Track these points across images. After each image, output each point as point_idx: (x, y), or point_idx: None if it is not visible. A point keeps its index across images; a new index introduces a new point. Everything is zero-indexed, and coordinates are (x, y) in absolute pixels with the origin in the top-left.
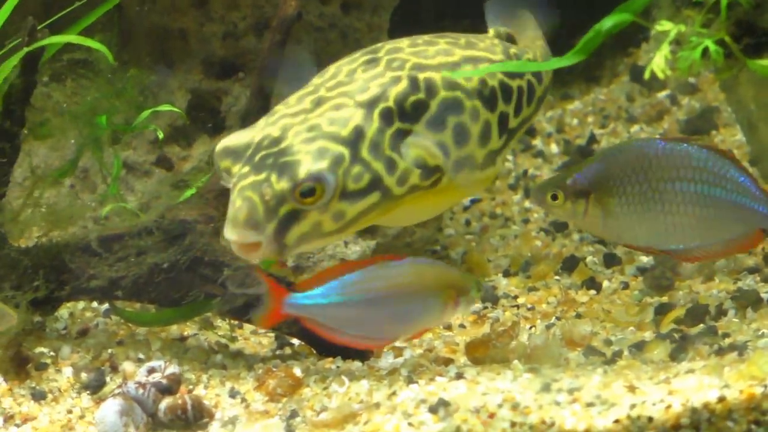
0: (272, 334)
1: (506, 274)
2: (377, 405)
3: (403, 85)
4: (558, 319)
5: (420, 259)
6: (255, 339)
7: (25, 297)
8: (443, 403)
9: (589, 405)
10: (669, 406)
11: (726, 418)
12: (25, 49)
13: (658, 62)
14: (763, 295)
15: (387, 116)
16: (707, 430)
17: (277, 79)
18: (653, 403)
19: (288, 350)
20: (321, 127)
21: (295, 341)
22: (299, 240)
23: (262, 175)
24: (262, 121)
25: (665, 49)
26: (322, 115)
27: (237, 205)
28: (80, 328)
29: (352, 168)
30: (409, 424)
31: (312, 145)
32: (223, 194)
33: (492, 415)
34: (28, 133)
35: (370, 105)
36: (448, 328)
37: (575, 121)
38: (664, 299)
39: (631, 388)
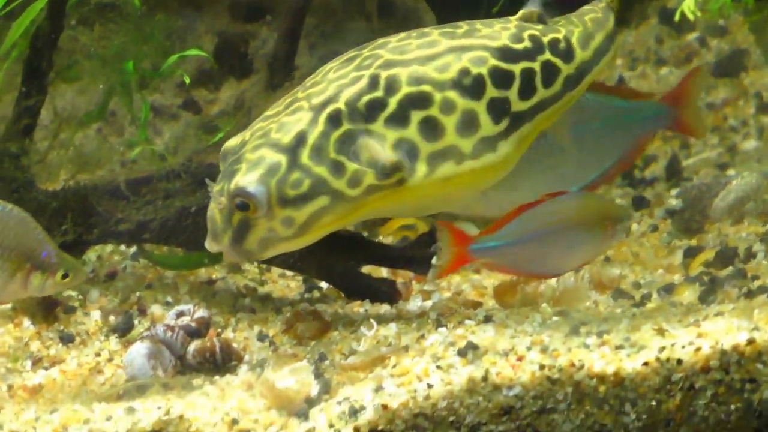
0: (300, 278)
1: None
2: (406, 348)
3: (361, 85)
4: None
5: (579, 193)
6: (283, 282)
7: (55, 240)
8: (472, 346)
9: (618, 348)
10: (698, 349)
11: (755, 360)
12: None
13: (688, 4)
14: None
15: (334, 119)
16: (736, 372)
17: None
18: (682, 346)
19: (316, 294)
20: (269, 134)
21: (324, 285)
22: (261, 245)
23: (220, 185)
24: (253, 123)
25: None
26: (278, 119)
27: (207, 214)
28: (108, 272)
29: (289, 175)
30: (438, 366)
31: (254, 153)
32: None
33: (521, 358)
34: (55, 76)
35: (319, 108)
36: (476, 271)
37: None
38: (693, 242)
39: (660, 331)
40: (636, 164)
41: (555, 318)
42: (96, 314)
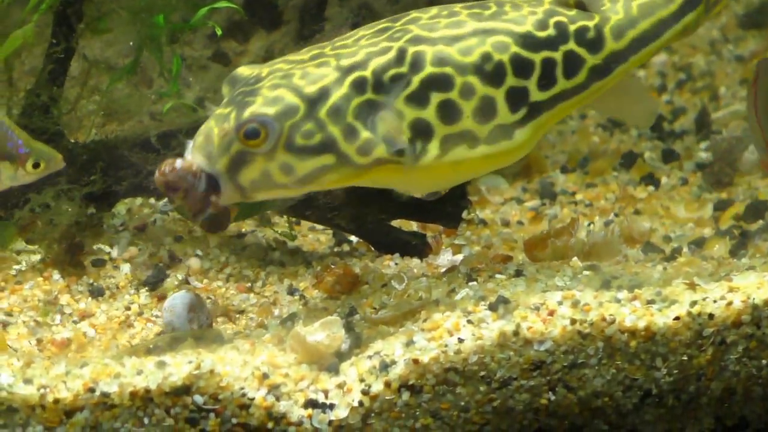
0: (330, 231)
1: (564, 170)
2: (436, 302)
3: (389, 56)
4: (616, 215)
5: None
6: (313, 236)
7: (82, 191)
8: (503, 300)
9: (650, 302)
10: (730, 303)
11: None
12: None
13: None
14: None
15: (359, 85)
16: None
17: None
18: (714, 300)
19: (346, 247)
20: (292, 78)
21: (353, 238)
22: (252, 185)
23: (227, 110)
24: (275, 61)
25: None
26: (303, 67)
27: (200, 131)
28: (138, 225)
29: (304, 123)
30: (469, 321)
31: (273, 91)
32: None
33: (552, 313)
34: (85, 28)
35: (346, 71)
36: (506, 224)
37: None
38: (723, 195)
39: (692, 285)
40: (664, 116)
41: (586, 272)
42: (126, 267)
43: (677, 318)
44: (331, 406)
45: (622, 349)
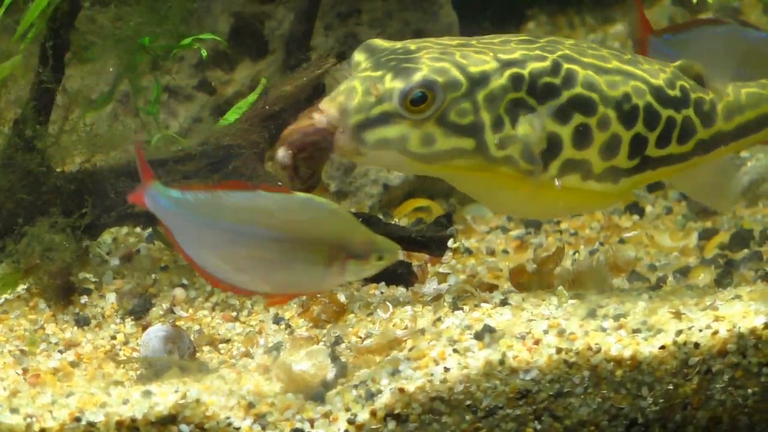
0: None
1: None
2: (422, 331)
3: (545, 64)
4: (601, 244)
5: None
6: None
7: (71, 223)
8: (488, 330)
9: (635, 331)
10: (715, 332)
11: None
12: None
13: None
14: None
15: (516, 81)
16: (754, 356)
17: None
18: (699, 329)
19: None
20: (453, 55)
21: None
22: (380, 143)
23: (378, 73)
24: (414, 40)
25: None
26: (461, 51)
27: (340, 89)
28: (123, 254)
29: (461, 101)
30: (455, 350)
31: (437, 63)
32: (268, 119)
33: (537, 342)
34: (71, 57)
35: (506, 64)
36: (491, 253)
37: (617, 44)
38: (708, 224)
39: (677, 314)
40: None
41: (571, 301)
42: (111, 297)
43: (663, 347)
44: None
45: (607, 378)
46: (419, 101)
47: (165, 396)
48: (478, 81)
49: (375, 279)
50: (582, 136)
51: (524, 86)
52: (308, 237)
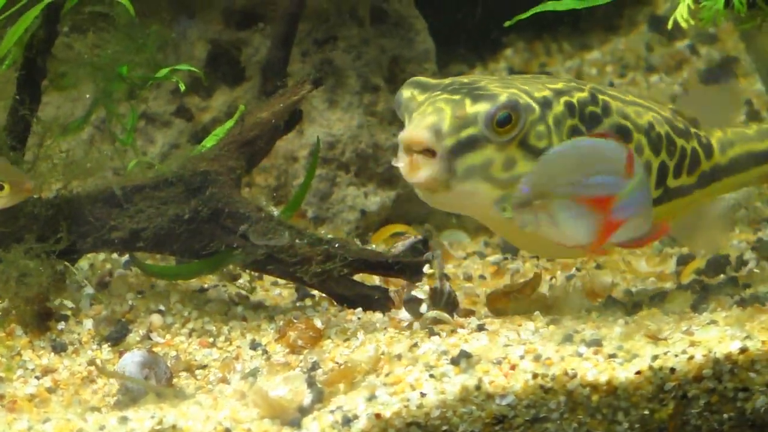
0: (293, 286)
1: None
2: (399, 357)
3: (585, 94)
4: (578, 270)
5: None
6: (276, 290)
7: (48, 248)
8: (465, 355)
9: (611, 356)
10: (691, 357)
11: (748, 369)
12: (47, 0)
13: (681, 11)
14: None
15: (570, 108)
16: (730, 381)
17: None
18: (675, 355)
19: (308, 302)
20: (515, 84)
21: (316, 293)
22: (467, 172)
23: (457, 97)
24: (449, 78)
25: None
26: (513, 81)
27: (427, 112)
28: (100, 280)
29: (538, 124)
30: (431, 375)
31: (507, 89)
32: (244, 145)
33: (514, 367)
34: (48, 84)
35: (558, 93)
36: (469, 279)
37: (594, 71)
38: (685, 250)
39: (653, 340)
40: None
41: (548, 327)
42: (88, 323)
43: (639, 372)
44: None
45: (584, 404)
46: (505, 122)
47: (141, 422)
48: (545, 105)
49: (352, 304)
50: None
51: (576, 114)
52: None
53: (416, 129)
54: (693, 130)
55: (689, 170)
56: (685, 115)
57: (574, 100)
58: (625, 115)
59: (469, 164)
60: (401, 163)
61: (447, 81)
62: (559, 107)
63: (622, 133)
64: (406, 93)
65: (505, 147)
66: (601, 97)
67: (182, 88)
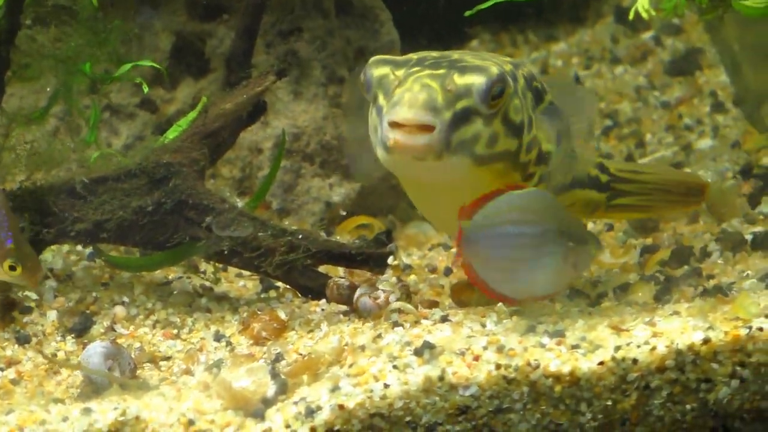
0: (257, 277)
1: None
2: (362, 348)
3: (529, 68)
4: None
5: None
6: (240, 282)
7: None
8: (428, 346)
9: (574, 347)
10: (654, 348)
11: (711, 360)
12: None
13: (642, 3)
14: (747, 237)
15: (527, 81)
16: (692, 372)
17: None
18: (638, 345)
19: (273, 293)
20: (485, 56)
21: (280, 284)
22: (459, 146)
23: (442, 71)
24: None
25: None
26: (476, 55)
27: (414, 89)
28: (64, 272)
29: (514, 98)
30: (394, 366)
31: (486, 62)
32: (208, 137)
33: (477, 358)
34: (12, 75)
35: (514, 65)
36: (433, 270)
37: (560, 62)
38: (649, 241)
39: (616, 330)
40: None
41: (511, 318)
42: (52, 315)
43: (601, 363)
44: None
45: (546, 394)
46: (499, 95)
47: (105, 413)
48: (514, 79)
49: (316, 296)
50: (557, 144)
51: (531, 88)
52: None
53: (411, 109)
54: None
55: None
56: None
57: (526, 74)
58: (554, 95)
59: (462, 137)
60: (390, 139)
61: (416, 56)
62: (521, 80)
63: (556, 114)
64: (379, 71)
65: (491, 121)
66: (538, 77)
67: (145, 90)
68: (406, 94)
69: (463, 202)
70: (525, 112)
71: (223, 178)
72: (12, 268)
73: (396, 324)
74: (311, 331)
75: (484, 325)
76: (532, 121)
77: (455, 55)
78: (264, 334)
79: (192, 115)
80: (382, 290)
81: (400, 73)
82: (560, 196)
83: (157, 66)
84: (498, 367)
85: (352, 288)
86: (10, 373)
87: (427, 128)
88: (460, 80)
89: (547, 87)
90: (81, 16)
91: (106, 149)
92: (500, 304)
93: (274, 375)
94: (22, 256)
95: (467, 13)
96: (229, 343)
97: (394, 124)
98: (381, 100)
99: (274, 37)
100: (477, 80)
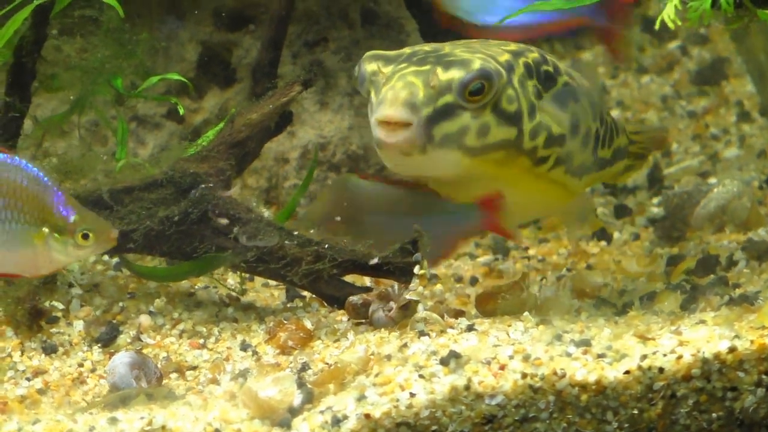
0: (283, 287)
1: (519, 225)
2: (388, 357)
3: (536, 54)
4: (569, 270)
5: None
6: (266, 292)
7: None
8: (454, 355)
9: (600, 356)
10: (680, 357)
11: (737, 369)
12: (36, 2)
13: (668, 12)
14: None
15: (528, 69)
16: (718, 380)
17: None
18: (664, 354)
19: (299, 303)
20: (479, 49)
21: (306, 294)
22: (443, 140)
23: (426, 67)
24: (404, 48)
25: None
26: (470, 47)
27: (397, 87)
28: (91, 282)
29: (507, 88)
30: (420, 375)
31: (475, 55)
32: (234, 147)
33: (503, 367)
34: (38, 86)
35: (515, 54)
36: (459, 280)
37: None
38: (675, 250)
39: (642, 339)
40: None
41: (537, 327)
42: (79, 324)
43: (627, 372)
44: None
45: (572, 403)
46: (478, 92)
47: (131, 423)
48: (509, 69)
49: (343, 305)
50: (575, 124)
51: (534, 74)
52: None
53: (392, 107)
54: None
55: (609, 143)
56: None
57: (530, 61)
58: (570, 75)
59: (446, 132)
60: (375, 136)
61: (408, 51)
62: (520, 69)
63: (573, 94)
64: (369, 67)
65: (479, 113)
66: (548, 56)
67: (182, 111)
68: (389, 92)
69: (480, 191)
70: (523, 100)
71: (250, 188)
72: (85, 236)
73: (422, 333)
74: (337, 340)
75: (510, 335)
76: (534, 108)
77: (447, 48)
78: (290, 343)
79: (221, 125)
80: (393, 302)
81: (389, 70)
82: (602, 172)
83: (184, 79)
84: (524, 376)
85: (366, 305)
86: (37, 383)
87: (407, 125)
88: (443, 76)
89: (561, 69)
90: (106, 27)
91: (133, 158)
92: (526, 312)
93: (301, 384)
94: (90, 223)
95: (494, 24)
96: (255, 353)
97: (379, 122)
98: (372, 96)
99: (300, 48)
100: (456, 75)
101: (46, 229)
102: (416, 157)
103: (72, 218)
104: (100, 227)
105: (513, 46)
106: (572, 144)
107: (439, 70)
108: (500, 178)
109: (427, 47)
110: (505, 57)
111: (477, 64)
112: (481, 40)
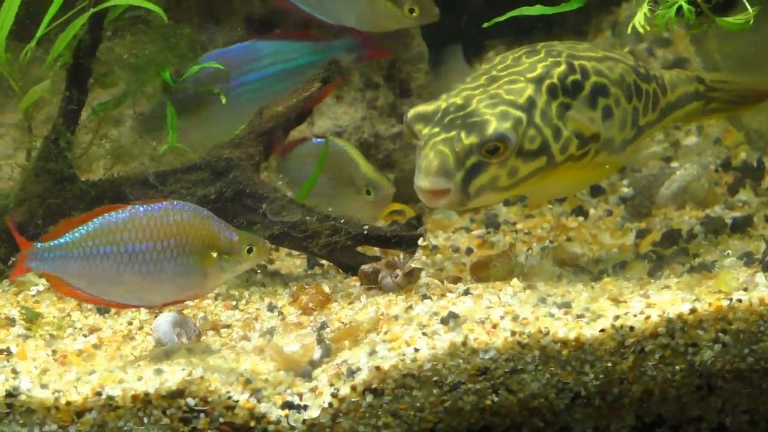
0: (305, 256)
1: (506, 203)
2: (396, 317)
3: (563, 67)
4: (551, 242)
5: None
6: (290, 260)
7: None
8: (453, 316)
9: (579, 316)
10: (648, 317)
11: (697, 327)
12: (92, 10)
13: (639, 19)
14: (727, 221)
15: (552, 91)
16: (681, 337)
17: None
18: (634, 315)
19: (318, 270)
20: (501, 96)
21: (324, 262)
22: (478, 191)
23: (452, 133)
24: (444, 95)
25: (645, 8)
26: (499, 87)
27: (430, 157)
28: None
29: (528, 130)
30: (423, 333)
31: (495, 109)
32: (263, 135)
33: (495, 326)
34: (94, 82)
35: (538, 81)
36: (456, 250)
37: None
38: (643, 225)
39: (615, 302)
40: None
41: (524, 291)
42: None
43: (603, 330)
44: (305, 407)
45: (555, 357)
46: (495, 150)
47: (174, 373)
48: (529, 107)
49: (356, 272)
50: (607, 116)
51: (559, 91)
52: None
53: (427, 178)
54: (651, 72)
55: (653, 108)
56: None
57: (555, 80)
58: (600, 73)
59: (479, 185)
60: (422, 198)
61: (443, 106)
62: (543, 98)
63: (603, 90)
64: (415, 126)
65: (505, 162)
66: (577, 63)
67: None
68: (424, 162)
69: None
70: (546, 130)
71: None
72: (249, 251)
73: (425, 297)
74: (351, 302)
75: (501, 298)
76: (560, 130)
77: (474, 100)
78: (311, 305)
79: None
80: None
81: (426, 132)
82: (658, 124)
83: (221, 67)
84: (513, 333)
85: (376, 272)
86: (92, 339)
87: (444, 192)
88: (466, 141)
89: (590, 70)
90: (153, 24)
91: (175, 144)
92: (515, 279)
93: (320, 341)
94: (249, 239)
95: (485, 25)
96: (280, 313)
97: (422, 189)
98: (417, 147)
99: None
100: (474, 141)
101: (214, 254)
102: (460, 207)
103: (236, 238)
104: (257, 241)
105: (540, 69)
106: (608, 132)
107: (462, 135)
108: (545, 183)
109: (460, 99)
110: (527, 93)
111: (491, 128)
112: (515, 57)
